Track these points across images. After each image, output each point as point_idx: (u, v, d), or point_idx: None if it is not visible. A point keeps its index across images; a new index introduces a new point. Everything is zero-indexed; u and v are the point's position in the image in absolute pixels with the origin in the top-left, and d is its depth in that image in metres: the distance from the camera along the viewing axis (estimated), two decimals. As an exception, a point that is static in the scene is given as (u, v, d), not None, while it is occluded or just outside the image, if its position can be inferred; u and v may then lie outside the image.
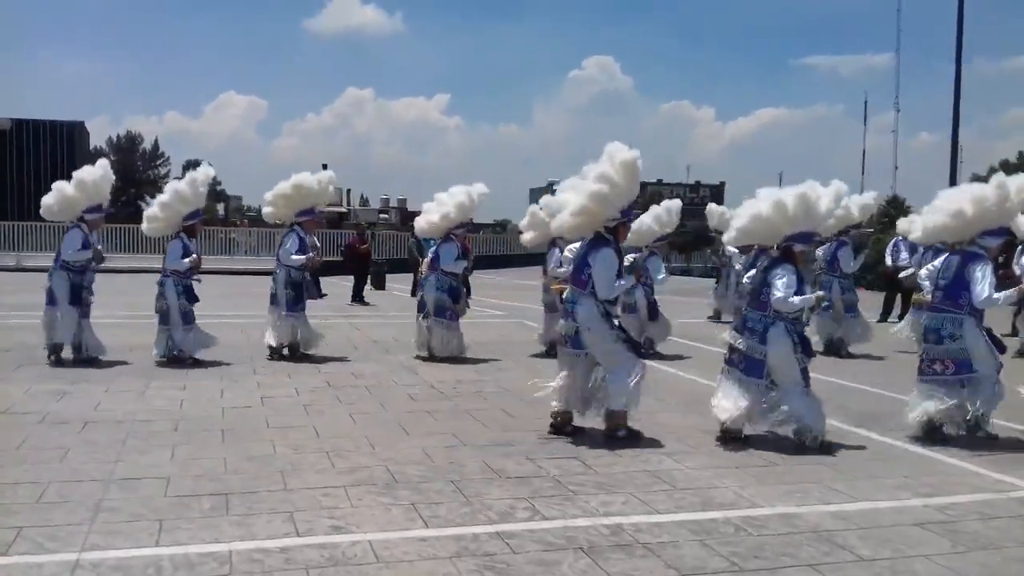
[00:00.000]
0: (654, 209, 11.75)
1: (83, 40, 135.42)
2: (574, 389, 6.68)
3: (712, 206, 18.26)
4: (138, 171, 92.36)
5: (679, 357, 11.14)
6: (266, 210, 10.96)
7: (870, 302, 15.35)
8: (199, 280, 10.03)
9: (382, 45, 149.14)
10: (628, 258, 11.95)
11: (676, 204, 11.93)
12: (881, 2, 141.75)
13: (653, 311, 11.25)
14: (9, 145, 62.40)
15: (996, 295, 6.60)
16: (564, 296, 6.81)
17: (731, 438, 6.57)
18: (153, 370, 9.15)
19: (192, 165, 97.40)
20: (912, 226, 13.11)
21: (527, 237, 11.68)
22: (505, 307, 18.04)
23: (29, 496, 4.91)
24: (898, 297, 16.37)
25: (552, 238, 11.15)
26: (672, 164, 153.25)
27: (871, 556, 4.34)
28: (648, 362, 10.62)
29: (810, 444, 6.40)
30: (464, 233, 11.32)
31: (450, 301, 10.61)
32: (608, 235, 6.61)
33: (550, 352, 11.01)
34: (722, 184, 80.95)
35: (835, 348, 11.90)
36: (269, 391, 8.25)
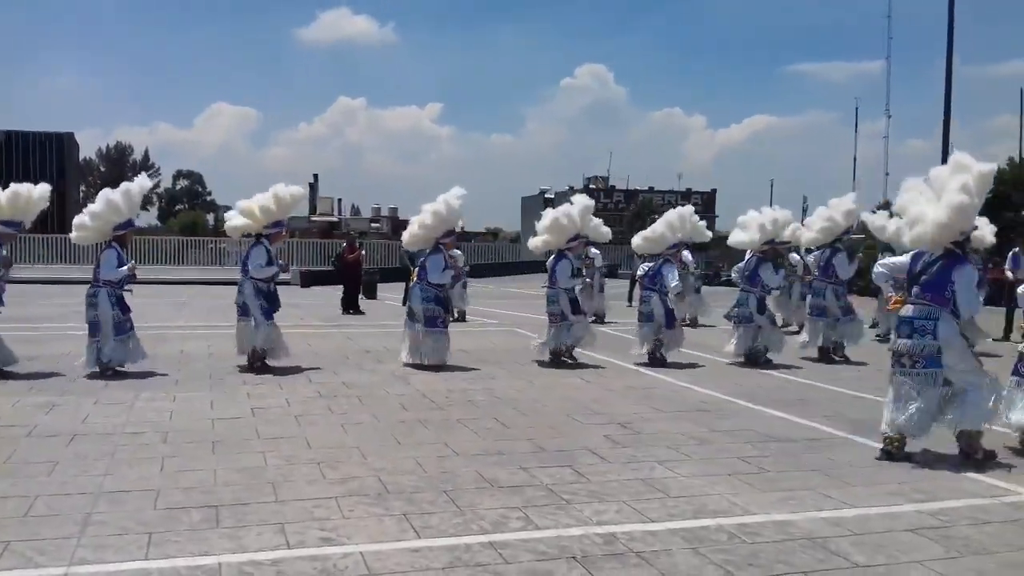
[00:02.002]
0: (668, 216, 11.74)
1: (73, 51, 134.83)
2: (924, 412, 6.29)
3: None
4: (128, 182, 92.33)
5: (678, 365, 11.12)
6: (238, 222, 10.58)
7: (861, 308, 15.38)
8: (131, 291, 9.92)
9: (374, 55, 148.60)
10: (644, 266, 12.07)
11: (689, 210, 11.92)
12: (871, 9, 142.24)
13: (670, 319, 11.24)
14: (-1, 157, 62.26)
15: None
16: (907, 313, 6.45)
17: None
18: (142, 382, 9.09)
19: (183, 175, 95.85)
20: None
21: (539, 241, 11.51)
22: (497, 315, 18.02)
23: (17, 510, 4.85)
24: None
25: (560, 249, 11.17)
26: (664, 172, 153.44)
27: (865, 563, 4.33)
28: (643, 370, 10.68)
29: None
30: (453, 241, 11.28)
31: (440, 310, 10.60)
32: (957, 249, 6.40)
33: (555, 361, 11.00)
34: (713, 191, 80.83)
35: (828, 354, 11.95)
36: (260, 402, 8.20)
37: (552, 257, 11.38)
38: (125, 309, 9.68)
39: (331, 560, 4.21)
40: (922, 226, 6.38)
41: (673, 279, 11.15)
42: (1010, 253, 15.17)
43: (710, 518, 4.98)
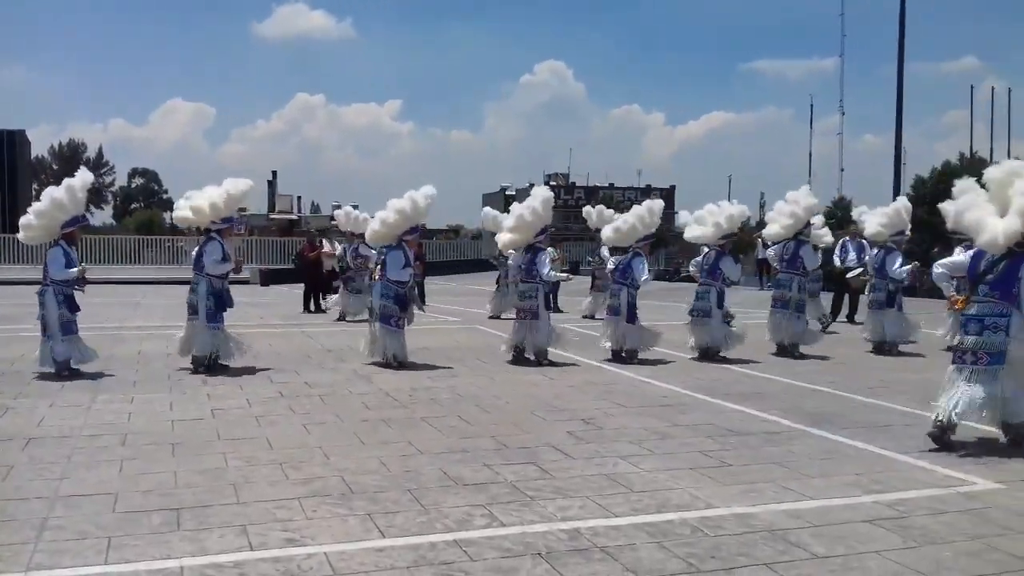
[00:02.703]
0: (637, 210, 11.74)
1: (23, 47, 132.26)
2: (980, 400, 6.48)
3: (588, 208, 19.36)
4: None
5: (638, 361, 11.17)
6: (183, 214, 10.43)
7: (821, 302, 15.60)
8: (82, 290, 9.76)
9: (332, 50, 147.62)
10: (613, 260, 12.14)
11: (659, 205, 11.92)
12: (825, 7, 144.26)
13: (631, 314, 11.27)
14: (-53, 154, 60.82)
15: None
16: (975, 311, 6.64)
17: None
18: (99, 383, 8.95)
19: (138, 173, 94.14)
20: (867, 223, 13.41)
21: (507, 238, 11.51)
22: (459, 313, 17.99)
23: (-30, 516, 4.75)
24: (846, 297, 16.68)
25: (530, 243, 11.17)
26: (624, 168, 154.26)
27: (825, 553, 4.40)
28: (604, 365, 10.74)
29: None
30: (416, 239, 11.23)
31: (397, 309, 10.54)
32: (1019, 249, 6.60)
33: (518, 359, 10.98)
34: (672, 187, 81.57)
35: (788, 349, 12.04)
36: (220, 403, 8.11)
37: (524, 253, 11.27)
38: (73, 308, 9.51)
39: (295, 561, 4.18)
40: (991, 232, 6.62)
41: (643, 272, 11.21)
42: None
43: (673, 512, 5.03)
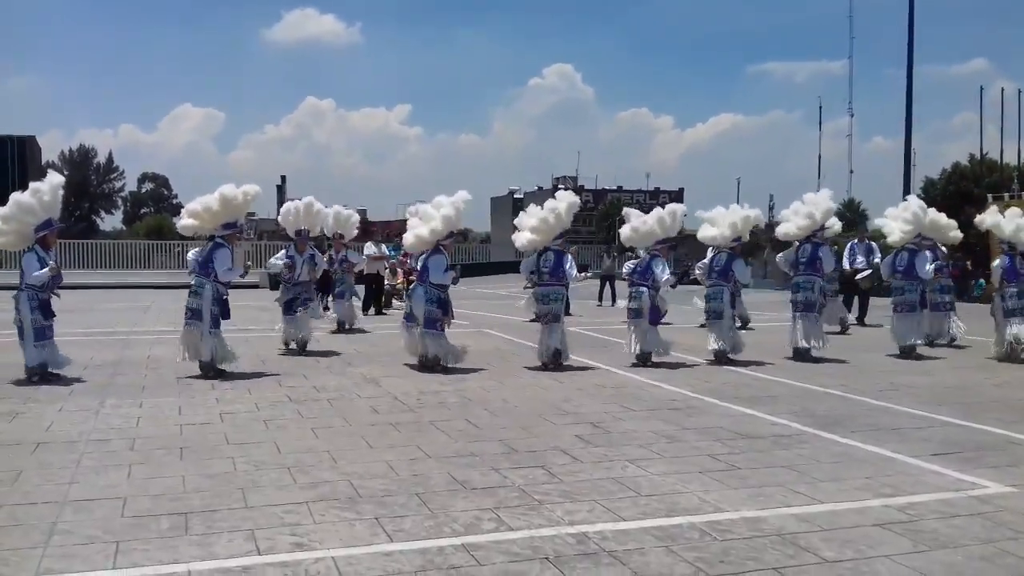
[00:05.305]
0: (657, 211, 11.69)
1: (33, 53, 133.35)
2: None
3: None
4: (92, 185, 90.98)
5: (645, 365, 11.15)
6: (187, 222, 10.44)
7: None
8: (58, 295, 9.75)
9: (341, 55, 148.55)
10: (629, 263, 12.09)
11: (680, 209, 11.88)
12: (834, 9, 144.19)
13: (654, 315, 11.17)
14: (-43, 160, 61.15)
15: None
16: None
17: None
18: (108, 388, 8.97)
19: (148, 178, 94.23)
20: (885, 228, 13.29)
21: (525, 239, 11.44)
22: (468, 316, 17.97)
23: (-20, 521, 4.76)
24: (855, 299, 16.63)
25: (545, 246, 11.12)
26: (632, 171, 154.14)
27: (834, 558, 4.37)
28: (613, 368, 10.71)
29: None
30: (452, 243, 11.25)
31: (440, 313, 10.56)
32: None
33: (547, 365, 10.89)
34: (681, 190, 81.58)
35: (803, 353, 11.88)
36: (228, 407, 8.12)
37: (547, 254, 11.13)
38: (48, 314, 9.44)
39: (302, 566, 4.18)
40: None
41: (665, 273, 11.14)
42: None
43: (681, 516, 5.01)
